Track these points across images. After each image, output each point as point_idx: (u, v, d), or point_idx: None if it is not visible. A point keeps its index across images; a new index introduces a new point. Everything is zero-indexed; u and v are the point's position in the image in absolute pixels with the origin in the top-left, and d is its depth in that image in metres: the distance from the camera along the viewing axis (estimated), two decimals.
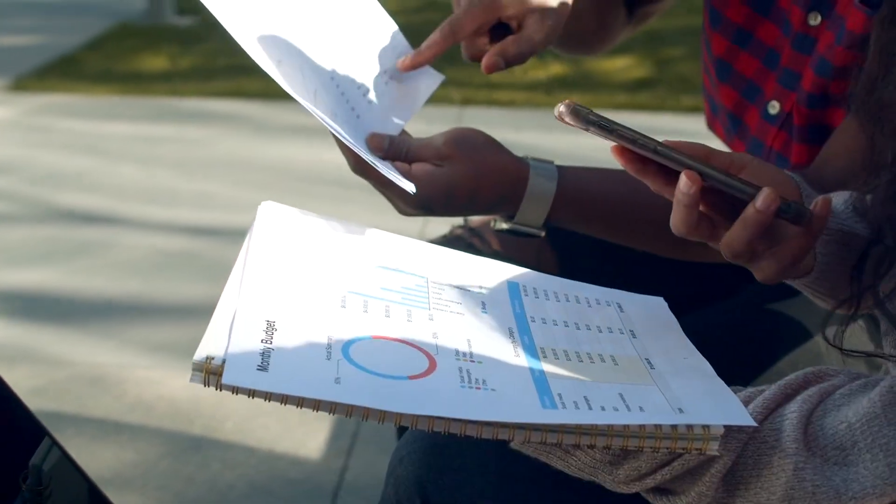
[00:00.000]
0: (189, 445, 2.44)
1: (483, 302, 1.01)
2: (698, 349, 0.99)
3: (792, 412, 0.86)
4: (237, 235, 3.66)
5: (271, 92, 5.49)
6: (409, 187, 1.16)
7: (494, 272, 1.07)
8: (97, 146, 4.63)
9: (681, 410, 0.85)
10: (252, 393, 0.79)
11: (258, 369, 0.80)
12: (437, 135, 1.24)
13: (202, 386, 0.80)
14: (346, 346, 0.86)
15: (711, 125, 1.65)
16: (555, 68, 5.99)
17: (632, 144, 0.95)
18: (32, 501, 1.06)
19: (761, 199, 0.90)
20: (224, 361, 0.79)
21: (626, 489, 0.88)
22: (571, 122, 0.94)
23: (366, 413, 0.80)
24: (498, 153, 1.24)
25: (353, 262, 1.02)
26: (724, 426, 0.84)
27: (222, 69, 5.99)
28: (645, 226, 1.31)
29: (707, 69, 1.59)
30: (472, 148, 1.23)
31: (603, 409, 0.84)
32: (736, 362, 1.24)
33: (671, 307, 1.09)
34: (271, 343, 0.83)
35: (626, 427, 0.83)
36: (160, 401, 2.62)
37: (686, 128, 4.79)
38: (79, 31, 7.01)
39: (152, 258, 3.49)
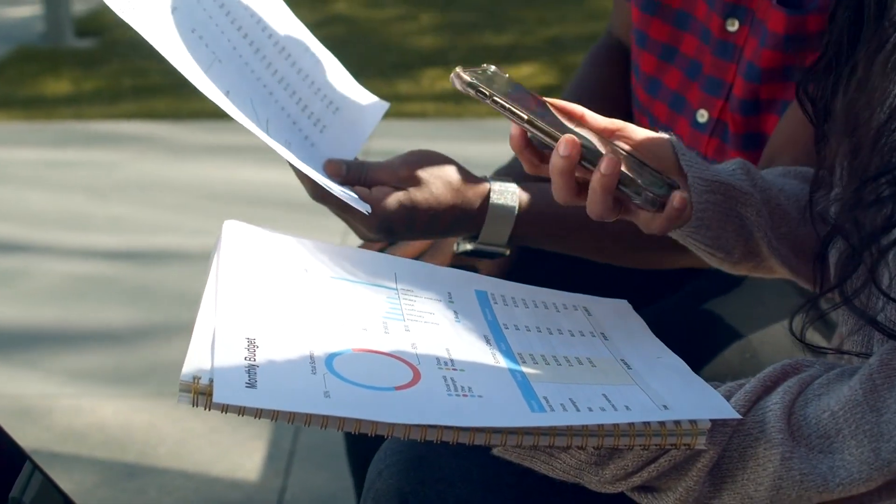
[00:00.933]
0: (124, 473, 2.40)
1: (455, 311, 1.02)
2: None
3: (774, 403, 0.87)
4: (155, 258, 3.65)
5: (180, 112, 5.44)
6: (365, 208, 1.16)
7: (460, 281, 1.08)
8: (4, 173, 4.55)
9: (665, 407, 0.87)
10: (242, 410, 0.78)
11: (247, 386, 0.80)
12: (395, 157, 1.24)
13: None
14: (330, 359, 0.87)
15: None
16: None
17: (507, 114, 0.99)
18: None
19: (604, 165, 0.96)
20: (211, 380, 0.79)
21: (612, 489, 0.89)
22: (459, 88, 1.00)
23: (357, 425, 0.80)
24: (457, 173, 1.24)
25: (323, 277, 1.02)
26: (710, 420, 0.85)
27: (128, 90, 5.92)
28: (609, 241, 1.33)
29: (634, 91, 1.61)
30: (431, 169, 1.23)
31: (590, 409, 0.85)
32: None
33: None
34: (255, 360, 0.83)
35: (615, 426, 0.84)
36: (91, 429, 2.58)
37: None
38: None
39: (70, 285, 3.43)
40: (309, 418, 0.79)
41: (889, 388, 0.85)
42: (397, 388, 0.85)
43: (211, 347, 0.84)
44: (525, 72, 6.12)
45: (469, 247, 1.29)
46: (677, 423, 0.85)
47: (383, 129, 5.45)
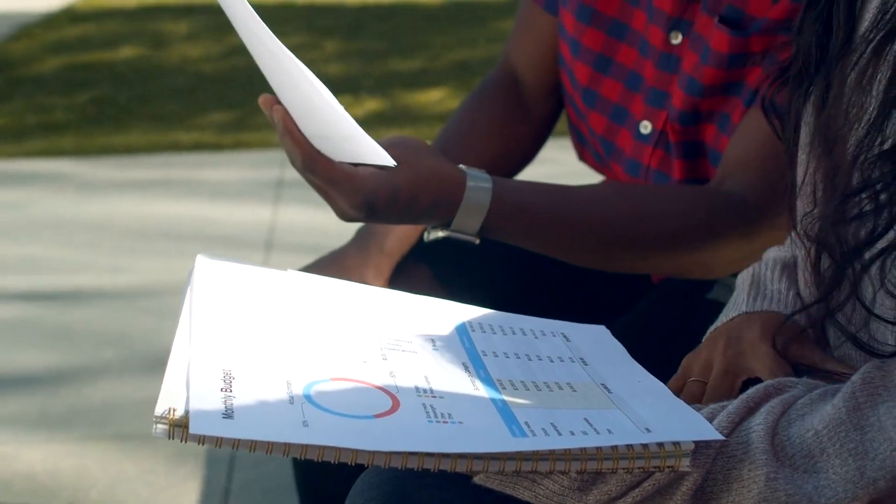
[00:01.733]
0: None
1: (432, 339, 1.01)
2: None
3: (758, 424, 0.87)
4: (72, 298, 3.58)
5: (87, 148, 5.36)
6: (389, 161, 1.17)
7: (436, 309, 1.08)
8: None
9: (648, 430, 0.86)
10: (219, 442, 0.77)
11: (224, 417, 0.79)
12: (380, 140, 1.24)
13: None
14: (307, 389, 0.86)
15: (581, 156, 1.68)
16: (370, 104, 6.01)
17: None
18: None
19: None
20: (187, 412, 0.79)
21: None
22: None
23: (337, 454, 0.79)
24: (436, 159, 1.26)
25: (297, 308, 1.02)
26: (694, 442, 0.85)
27: (32, 128, 5.81)
28: (579, 241, 1.33)
29: (571, 100, 1.61)
30: (414, 153, 1.24)
31: (572, 433, 0.85)
32: None
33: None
34: (231, 391, 0.83)
35: (598, 450, 0.83)
36: (16, 476, 2.51)
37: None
38: None
39: None
40: (288, 448, 0.78)
41: (872, 406, 0.85)
42: (377, 416, 0.84)
43: (186, 380, 0.83)
44: (434, 96, 6.14)
45: (441, 234, 1.31)
46: (660, 445, 0.84)
47: (285, 157, 5.36)
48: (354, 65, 6.91)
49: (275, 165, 4.87)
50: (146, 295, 3.53)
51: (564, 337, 1.06)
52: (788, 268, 1.13)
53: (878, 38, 0.92)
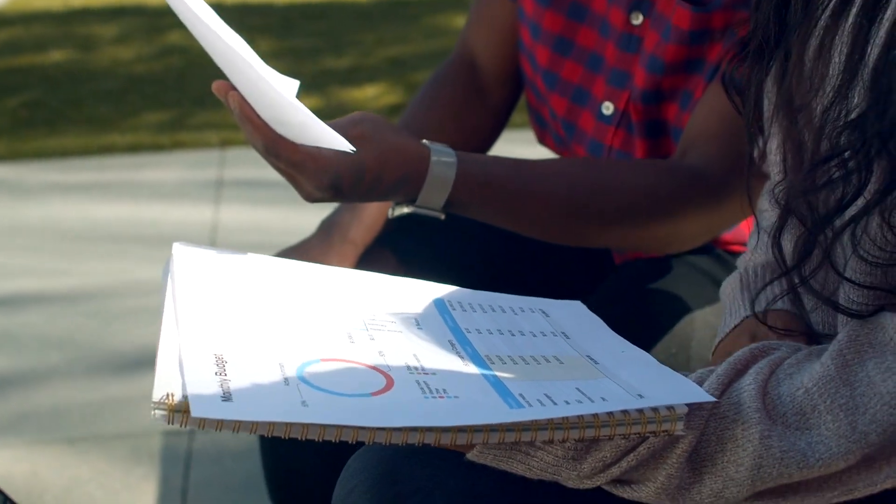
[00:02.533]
0: None
1: (415, 319, 1.01)
2: None
3: (748, 385, 0.87)
4: (15, 303, 3.52)
5: (21, 152, 5.29)
6: (346, 146, 1.15)
7: (414, 289, 1.08)
8: None
9: (640, 396, 0.87)
10: (220, 425, 0.77)
11: (223, 400, 0.79)
12: (342, 118, 1.24)
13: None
14: (300, 370, 0.86)
15: (542, 139, 1.68)
16: (306, 102, 5.96)
17: None
18: None
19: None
20: (185, 397, 0.78)
21: (591, 483, 0.88)
22: None
23: (338, 432, 0.78)
24: (399, 135, 1.26)
25: (280, 291, 1.01)
26: (687, 405, 0.85)
27: None
28: (543, 213, 1.33)
29: (532, 84, 1.61)
30: (378, 130, 1.24)
31: (567, 402, 0.85)
32: None
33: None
34: (226, 375, 0.82)
35: (595, 417, 0.83)
36: None
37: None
38: None
39: None
40: (289, 428, 0.78)
41: (860, 362, 0.86)
42: (373, 394, 0.84)
43: (179, 366, 0.83)
44: (370, 93, 6.12)
45: (406, 210, 1.32)
46: (655, 409, 0.84)
47: (238, 157, 5.35)
48: (288, 63, 6.87)
49: (214, 165, 4.83)
50: (89, 297, 3.48)
51: (543, 313, 1.06)
52: (770, 265, 1.14)
53: (834, 3, 0.93)
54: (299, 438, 0.78)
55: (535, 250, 1.60)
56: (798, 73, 0.97)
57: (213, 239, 3.89)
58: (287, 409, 0.79)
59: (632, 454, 0.86)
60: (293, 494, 1.54)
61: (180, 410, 0.78)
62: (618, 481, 0.89)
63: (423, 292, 1.07)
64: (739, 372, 0.90)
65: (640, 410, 0.84)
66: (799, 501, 0.88)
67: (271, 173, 1.32)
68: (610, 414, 0.83)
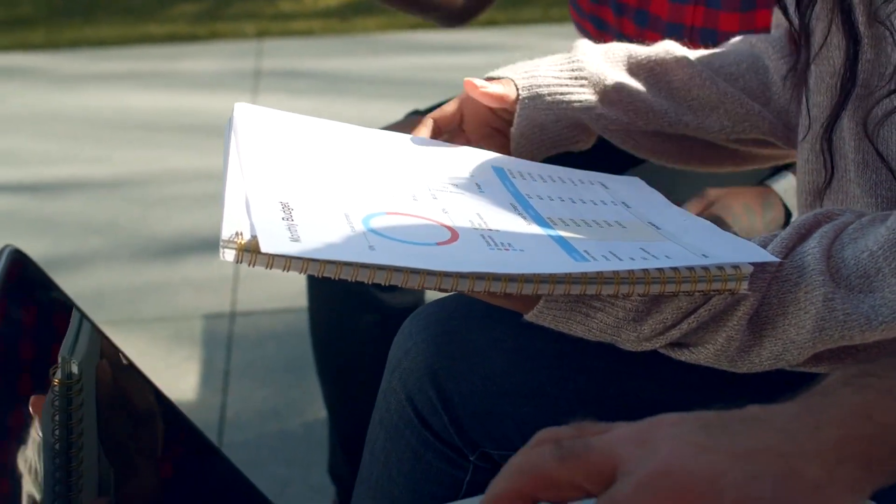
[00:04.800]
0: None
1: (477, 183, 1.00)
2: None
3: (812, 247, 0.86)
4: (55, 188, 3.54)
5: (57, 41, 5.28)
6: None
7: (474, 157, 1.07)
8: None
9: (705, 255, 0.86)
10: (288, 264, 0.76)
11: (292, 240, 0.78)
12: None
13: (237, 261, 0.77)
14: (366, 220, 0.86)
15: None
16: None
17: None
18: (64, 398, 0.99)
19: None
20: (255, 237, 0.77)
21: (650, 345, 0.88)
22: None
23: (405, 277, 0.78)
24: None
25: (342, 150, 1.01)
26: (752, 265, 0.84)
27: (0, 22, 5.71)
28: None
29: None
30: None
31: (632, 259, 0.84)
32: None
33: None
34: (293, 220, 0.82)
35: (661, 272, 0.82)
36: None
37: (530, 40, 4.82)
38: None
39: None
40: (356, 271, 0.77)
41: None
42: (439, 244, 0.84)
43: (246, 209, 0.82)
44: None
45: None
46: (721, 267, 0.83)
47: (275, 48, 5.33)
48: None
49: (251, 55, 4.81)
50: (129, 184, 3.50)
51: (602, 185, 1.06)
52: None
53: None
54: (366, 282, 0.78)
55: None
56: None
57: None
58: (354, 250, 0.79)
59: (692, 316, 0.86)
60: (342, 359, 1.55)
61: (250, 250, 0.77)
62: (676, 344, 0.89)
63: (482, 160, 1.07)
64: (803, 236, 0.89)
65: (706, 268, 0.83)
66: (857, 363, 0.88)
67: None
68: (676, 270, 0.82)
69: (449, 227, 0.87)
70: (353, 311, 1.52)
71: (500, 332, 0.95)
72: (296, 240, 0.78)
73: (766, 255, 0.85)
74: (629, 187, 1.07)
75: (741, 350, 0.87)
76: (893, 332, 0.84)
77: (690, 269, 0.83)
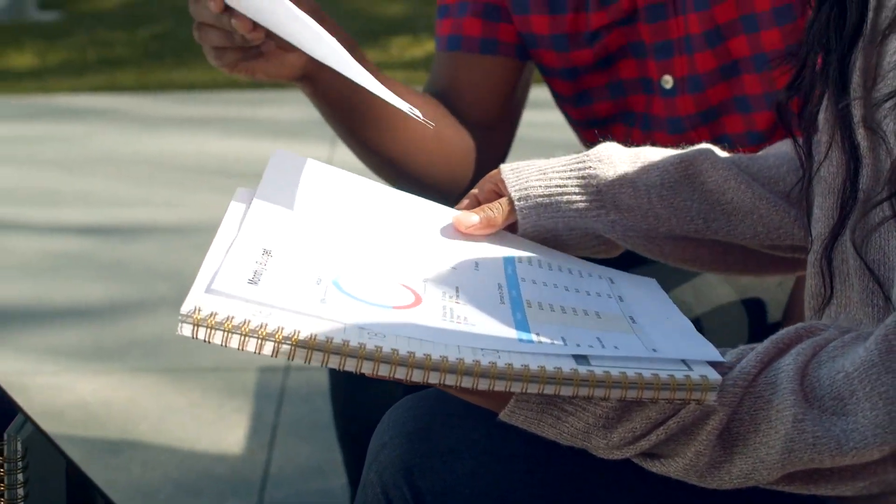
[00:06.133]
0: (106, 450, 2.38)
1: (476, 262, 1.03)
2: None
3: (787, 365, 0.85)
4: (128, 232, 3.61)
5: (146, 84, 5.39)
6: (413, 111, 1.10)
7: (498, 238, 1.10)
8: None
9: (654, 350, 0.86)
10: (243, 343, 0.79)
11: (248, 283, 0.83)
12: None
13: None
14: (337, 274, 0.90)
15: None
16: (431, 46, 5.98)
17: None
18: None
19: None
20: (212, 312, 0.80)
21: (620, 454, 0.87)
22: None
23: (344, 345, 0.79)
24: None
25: (357, 207, 1.06)
26: (721, 378, 0.83)
27: (93, 63, 5.86)
28: None
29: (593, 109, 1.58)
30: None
31: (578, 345, 0.85)
32: None
33: None
34: (265, 266, 0.87)
35: (623, 375, 0.81)
36: (70, 407, 2.55)
37: None
38: None
39: (42, 261, 3.40)
40: (310, 354, 0.79)
41: None
42: (395, 307, 0.87)
43: (227, 250, 0.88)
44: None
45: None
46: (687, 376, 0.82)
47: None
48: (414, 4, 6.88)
49: None
50: (200, 230, 3.55)
51: (610, 280, 1.06)
52: None
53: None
54: (321, 367, 0.80)
55: None
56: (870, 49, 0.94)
57: None
58: (305, 301, 0.83)
59: (662, 427, 0.85)
60: (358, 426, 1.56)
61: (205, 325, 0.79)
62: (647, 454, 0.88)
63: (494, 240, 1.09)
64: (782, 351, 0.87)
65: (672, 375, 0.82)
66: (829, 489, 0.86)
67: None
68: (640, 375, 0.82)
69: (416, 293, 0.90)
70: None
71: (475, 430, 0.96)
72: (253, 283, 0.83)
73: (714, 356, 0.85)
74: (637, 286, 1.07)
75: (711, 465, 0.86)
76: (864, 457, 0.83)
77: (655, 374, 0.82)
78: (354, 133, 1.52)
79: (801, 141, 1.04)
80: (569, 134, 1.64)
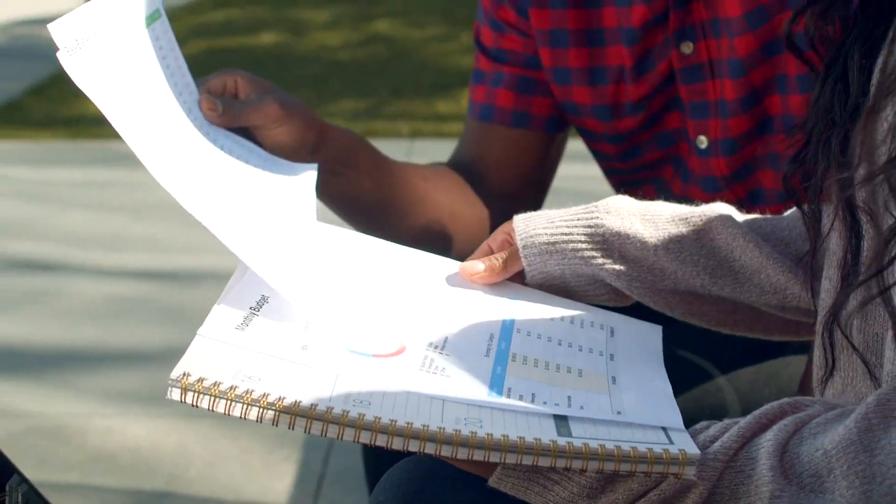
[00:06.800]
0: (155, 495, 2.40)
1: (474, 312, 1.04)
2: None
3: (768, 441, 0.85)
4: (190, 278, 3.65)
5: None
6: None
7: (506, 291, 1.11)
8: (44, 193, 4.58)
9: (619, 413, 0.89)
10: (230, 407, 0.82)
11: (236, 328, 0.87)
12: (258, 96, 1.32)
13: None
14: (327, 321, 0.93)
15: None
16: None
17: None
18: None
19: None
20: (200, 378, 0.83)
21: None
22: None
23: (340, 430, 0.80)
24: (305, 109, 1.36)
25: (378, 269, 1.09)
26: (700, 454, 0.84)
27: None
28: None
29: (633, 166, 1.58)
30: (290, 104, 1.33)
31: (545, 403, 0.87)
32: None
33: None
34: (258, 313, 0.91)
35: (601, 447, 0.82)
36: (122, 450, 2.58)
37: None
38: (21, 76, 6.94)
39: (106, 305, 3.45)
40: (293, 420, 0.81)
41: (884, 428, 0.82)
42: (376, 356, 0.90)
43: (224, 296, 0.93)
44: None
45: None
46: (666, 450, 0.83)
47: (425, 149, 5.43)
48: None
49: (401, 154, 4.89)
50: None
51: (611, 331, 1.06)
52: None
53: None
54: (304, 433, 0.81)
55: None
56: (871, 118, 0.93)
57: None
58: (287, 348, 0.86)
59: (643, 499, 0.85)
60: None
61: (193, 390, 0.82)
62: None
63: (500, 290, 1.10)
64: (764, 426, 0.87)
65: (650, 448, 0.83)
66: None
67: None
68: (618, 447, 0.82)
69: (402, 342, 0.92)
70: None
71: (468, 495, 0.96)
72: (240, 329, 0.87)
73: (677, 423, 0.87)
74: (636, 338, 1.08)
75: None
76: None
77: (634, 447, 0.82)
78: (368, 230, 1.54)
79: (807, 212, 1.03)
80: (605, 186, 1.64)
